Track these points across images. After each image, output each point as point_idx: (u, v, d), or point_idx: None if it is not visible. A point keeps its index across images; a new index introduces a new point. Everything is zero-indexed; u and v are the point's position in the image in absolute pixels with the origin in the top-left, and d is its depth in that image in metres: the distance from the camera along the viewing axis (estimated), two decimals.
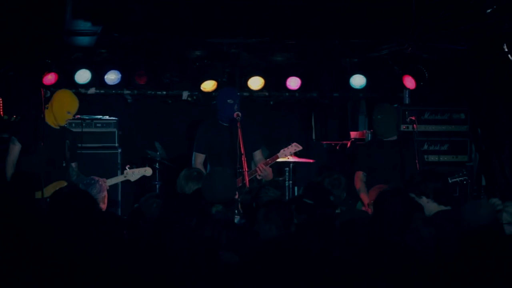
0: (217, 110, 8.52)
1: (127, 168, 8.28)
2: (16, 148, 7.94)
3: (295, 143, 8.66)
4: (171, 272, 4.54)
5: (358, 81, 10.68)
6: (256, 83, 10.59)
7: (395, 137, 8.58)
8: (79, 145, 8.64)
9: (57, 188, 7.49)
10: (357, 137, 10.65)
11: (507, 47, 8.69)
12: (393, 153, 8.45)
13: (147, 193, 6.98)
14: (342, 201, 7.68)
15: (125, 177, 8.26)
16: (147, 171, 8.28)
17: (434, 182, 6.25)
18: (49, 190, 7.59)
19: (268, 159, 8.46)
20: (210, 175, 6.74)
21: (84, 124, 9.72)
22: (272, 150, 10.30)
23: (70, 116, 8.11)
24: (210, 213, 6.11)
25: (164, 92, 10.72)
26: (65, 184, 7.86)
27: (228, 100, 8.31)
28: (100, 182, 7.51)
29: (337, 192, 7.45)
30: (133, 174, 8.21)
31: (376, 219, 5.40)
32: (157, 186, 9.88)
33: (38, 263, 4.52)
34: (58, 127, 8.08)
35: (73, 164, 8.14)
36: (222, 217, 6.07)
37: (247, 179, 7.93)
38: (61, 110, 8.02)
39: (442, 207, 6.15)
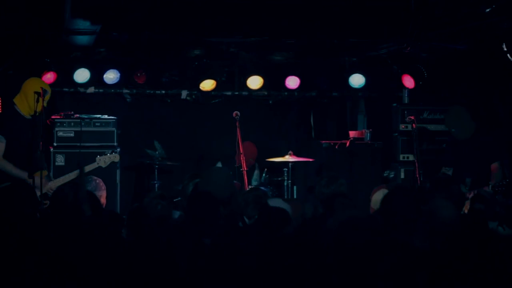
0: None
1: (98, 156, 8.31)
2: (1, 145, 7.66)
3: None
4: (173, 272, 4.54)
5: (357, 80, 10.70)
6: (255, 82, 10.59)
7: None
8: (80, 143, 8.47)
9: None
10: (356, 136, 10.65)
11: (506, 47, 8.69)
12: None
13: (148, 193, 6.94)
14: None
15: (97, 164, 8.25)
16: (116, 158, 8.37)
17: (441, 192, 6.17)
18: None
19: None
20: (207, 174, 6.73)
21: (83, 123, 9.71)
22: (271, 150, 10.33)
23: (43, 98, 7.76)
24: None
25: (163, 91, 10.72)
26: (45, 173, 7.74)
27: None
28: (97, 181, 7.50)
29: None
30: (104, 160, 8.27)
31: (383, 218, 5.34)
32: (156, 185, 9.86)
33: (36, 261, 4.52)
34: (30, 117, 7.89)
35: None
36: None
37: (245, 179, 7.94)
38: (33, 95, 7.73)
39: None
